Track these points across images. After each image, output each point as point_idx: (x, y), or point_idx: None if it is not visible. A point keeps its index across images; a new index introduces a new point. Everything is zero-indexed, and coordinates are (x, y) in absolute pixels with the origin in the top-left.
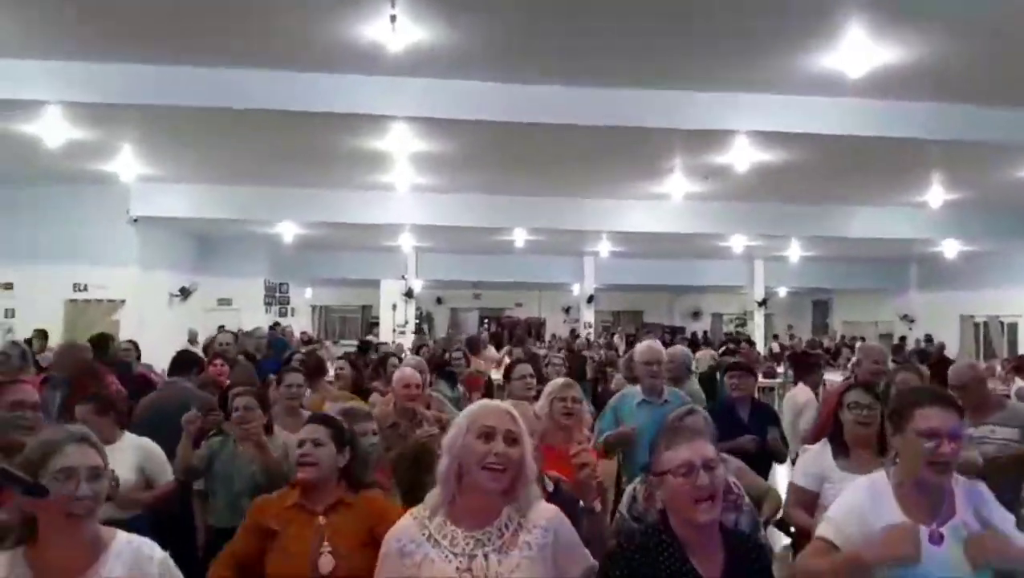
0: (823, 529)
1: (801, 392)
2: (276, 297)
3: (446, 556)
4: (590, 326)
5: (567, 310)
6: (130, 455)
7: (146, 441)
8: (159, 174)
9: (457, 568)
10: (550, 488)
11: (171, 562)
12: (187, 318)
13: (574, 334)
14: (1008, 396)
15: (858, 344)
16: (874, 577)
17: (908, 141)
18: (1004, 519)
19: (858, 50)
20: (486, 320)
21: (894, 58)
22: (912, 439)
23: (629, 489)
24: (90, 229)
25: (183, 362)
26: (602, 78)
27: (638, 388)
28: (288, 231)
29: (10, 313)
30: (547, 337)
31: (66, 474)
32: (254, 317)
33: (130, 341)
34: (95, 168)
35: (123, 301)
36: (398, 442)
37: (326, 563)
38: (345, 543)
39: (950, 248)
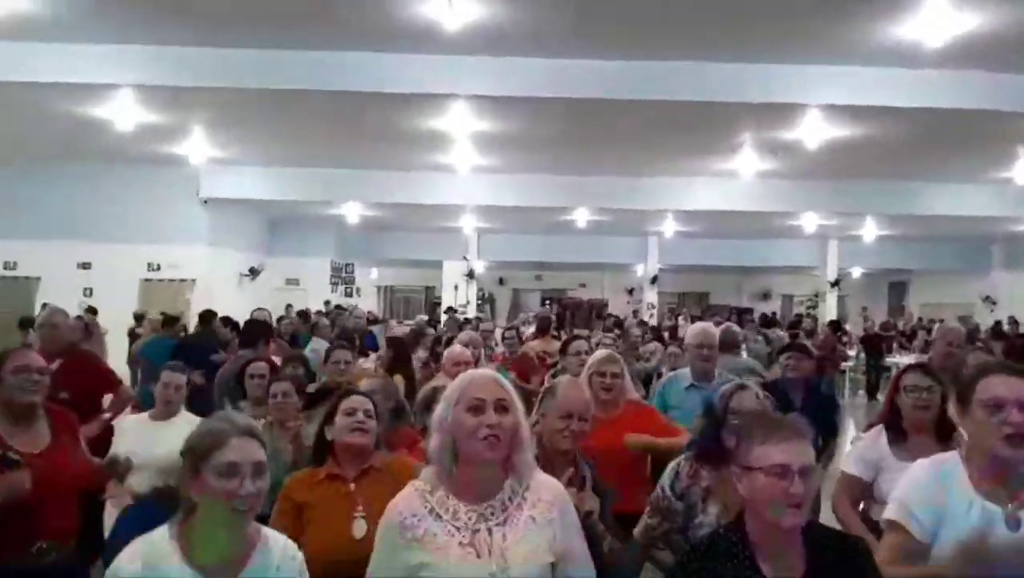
0: (894, 512)
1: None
2: (342, 277)
3: (448, 530)
4: (653, 307)
5: (631, 291)
6: (185, 432)
7: (198, 420)
8: (228, 156)
9: (460, 542)
10: (585, 473)
11: (304, 563)
12: (256, 297)
13: (637, 315)
14: None
15: (936, 326)
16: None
17: (990, 113)
18: None
19: (938, 18)
20: (548, 301)
21: (973, 27)
22: (978, 413)
23: (672, 464)
24: (162, 210)
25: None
26: (665, 52)
27: (687, 371)
28: (353, 212)
29: (88, 292)
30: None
31: (230, 470)
32: (320, 297)
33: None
34: (166, 150)
35: (194, 280)
36: None
37: (359, 528)
38: (378, 508)
39: None
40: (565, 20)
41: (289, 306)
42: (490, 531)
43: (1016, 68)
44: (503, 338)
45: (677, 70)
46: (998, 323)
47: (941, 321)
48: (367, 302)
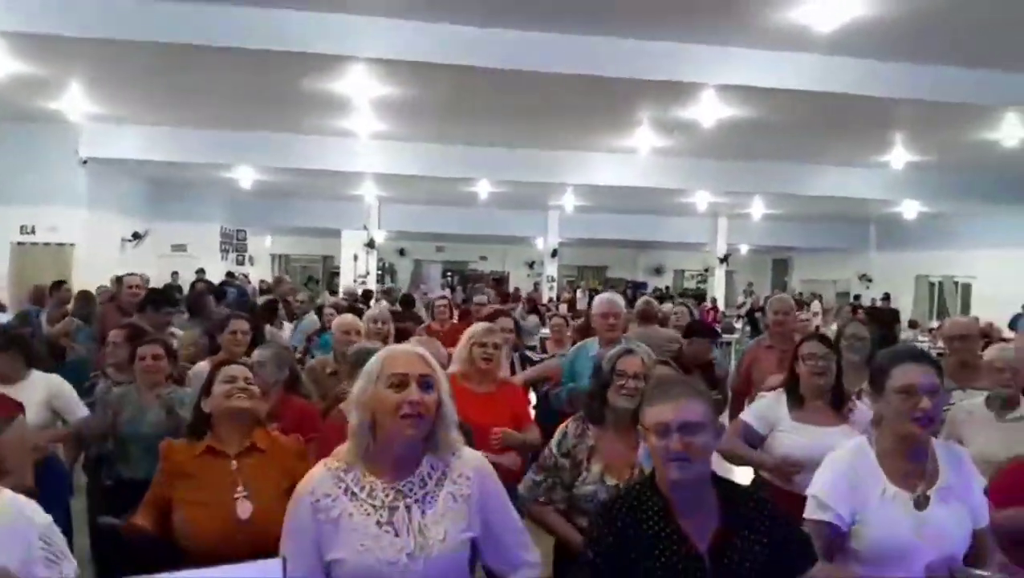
0: (814, 511)
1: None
2: (233, 244)
3: (365, 509)
4: (553, 280)
5: (531, 265)
6: (37, 393)
7: (54, 378)
8: (110, 114)
9: (378, 521)
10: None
11: (55, 529)
12: (140, 264)
13: (537, 289)
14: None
15: (814, 301)
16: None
17: (873, 100)
18: (980, 485)
19: (828, 4)
20: (449, 273)
21: (861, 14)
22: (892, 397)
23: (562, 426)
24: (37, 169)
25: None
26: (568, 26)
27: (595, 340)
28: (246, 176)
29: None
30: (511, 291)
31: None
32: (210, 264)
33: None
34: (41, 105)
35: (72, 245)
36: (335, 387)
37: (244, 508)
38: (261, 487)
39: (909, 209)
40: None
41: (175, 273)
42: (408, 509)
43: (896, 56)
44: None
45: (579, 44)
46: (885, 301)
47: (820, 297)
48: (261, 271)
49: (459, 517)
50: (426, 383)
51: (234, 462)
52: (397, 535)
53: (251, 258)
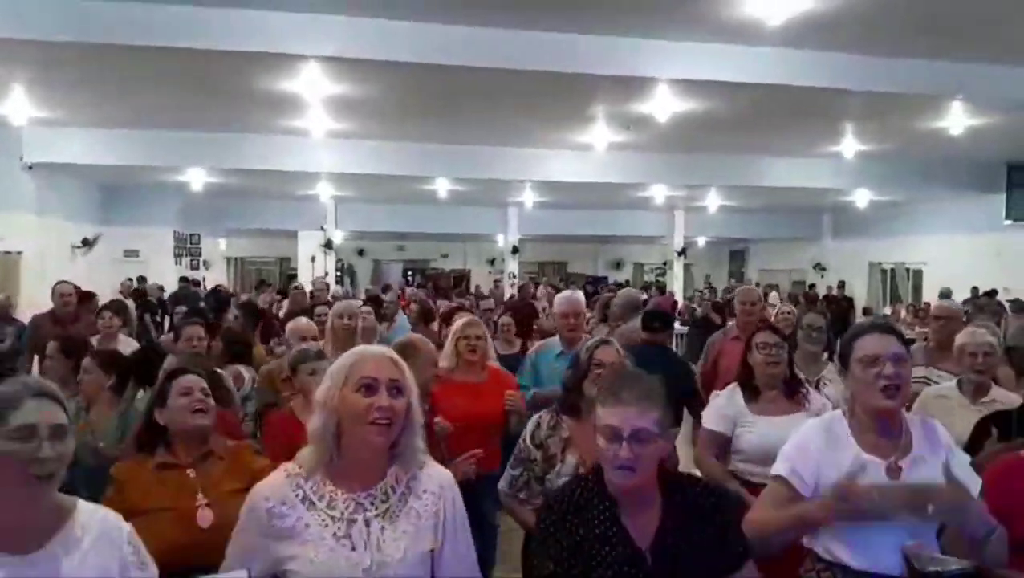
0: (779, 466)
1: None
2: (187, 248)
3: (322, 520)
4: (515, 277)
5: (492, 261)
6: None
7: None
8: (56, 117)
9: (335, 534)
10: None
11: (136, 535)
12: (92, 271)
13: (498, 286)
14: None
15: (772, 293)
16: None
17: (824, 91)
18: (962, 460)
19: None
20: (410, 272)
21: (812, 7)
22: (857, 370)
23: (535, 417)
24: None
25: None
26: (523, 21)
27: (556, 339)
28: (198, 179)
29: None
30: (472, 288)
31: (26, 432)
32: (164, 269)
33: None
34: None
35: (20, 253)
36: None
37: (205, 517)
38: (221, 495)
39: (861, 198)
40: None
41: (129, 279)
42: (368, 522)
43: (846, 48)
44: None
45: (533, 40)
46: (840, 289)
47: (777, 287)
48: (216, 274)
49: (420, 535)
50: (396, 388)
51: (191, 471)
52: (354, 549)
53: (206, 262)
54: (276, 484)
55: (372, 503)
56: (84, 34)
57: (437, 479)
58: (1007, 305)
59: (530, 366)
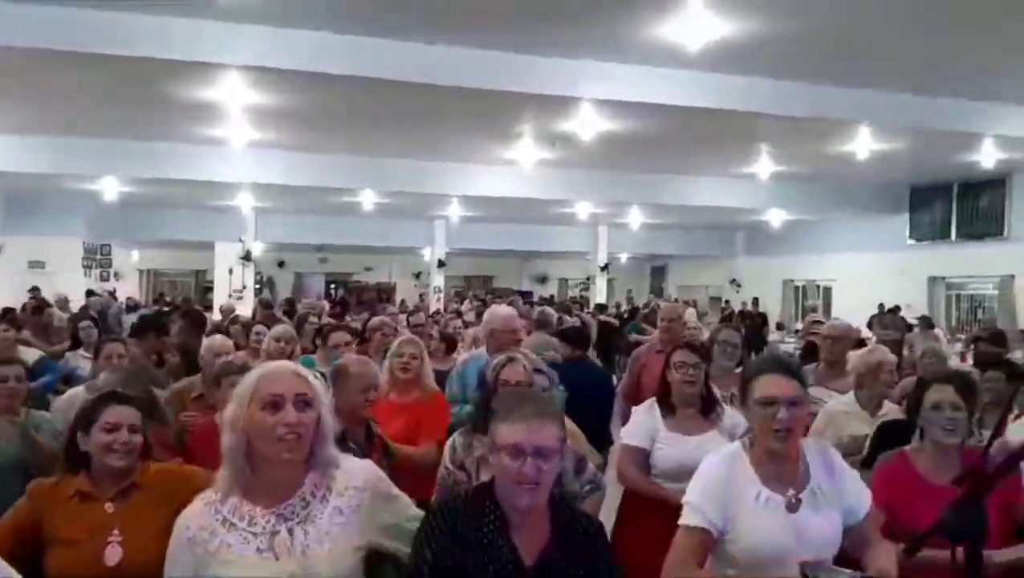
0: (688, 517)
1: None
2: (97, 259)
3: (244, 538)
4: (440, 291)
5: (418, 275)
6: None
7: None
8: None
9: (258, 549)
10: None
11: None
12: None
13: (424, 300)
14: None
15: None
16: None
17: (740, 114)
18: (853, 479)
19: (696, 23)
20: (333, 285)
21: (729, 33)
22: (754, 408)
23: (450, 441)
24: None
25: None
26: (451, 37)
27: (483, 350)
28: (110, 188)
29: None
30: (398, 302)
31: None
32: (71, 281)
33: None
34: None
35: None
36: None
37: (113, 554)
38: (138, 530)
39: (775, 217)
40: None
41: (35, 288)
42: (291, 531)
43: (761, 73)
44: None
45: (461, 57)
46: (754, 305)
47: (695, 302)
48: (128, 287)
49: (347, 530)
50: (304, 401)
51: (109, 505)
52: (278, 560)
53: (117, 274)
54: (195, 513)
55: (293, 512)
56: None
57: (360, 473)
58: (909, 321)
59: (458, 379)
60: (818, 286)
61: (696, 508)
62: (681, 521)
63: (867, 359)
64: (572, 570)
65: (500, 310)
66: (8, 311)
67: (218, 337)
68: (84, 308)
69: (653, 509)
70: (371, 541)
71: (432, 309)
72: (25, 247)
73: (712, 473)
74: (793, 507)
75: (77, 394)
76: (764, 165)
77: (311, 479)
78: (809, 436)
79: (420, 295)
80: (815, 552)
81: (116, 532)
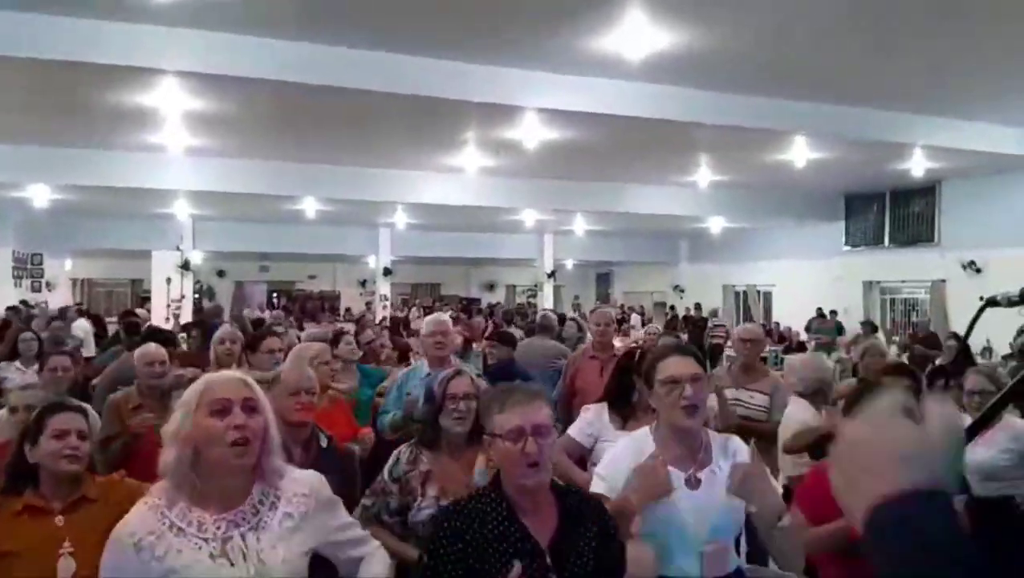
0: (596, 485)
1: None
2: (28, 269)
3: (195, 543)
4: (387, 299)
5: (363, 283)
6: None
7: None
8: None
9: (211, 554)
10: (324, 443)
11: None
12: None
13: (369, 308)
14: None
15: (633, 314)
16: (634, 521)
17: (679, 124)
18: (760, 470)
19: (637, 34)
20: (275, 293)
21: (667, 45)
22: (659, 390)
23: (396, 452)
24: None
25: None
26: (394, 44)
27: (424, 362)
28: (41, 195)
29: None
30: (342, 311)
31: None
32: (2, 292)
33: None
34: None
35: None
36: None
37: (66, 567)
38: (89, 542)
39: (715, 224)
40: (293, 0)
41: None
42: (243, 537)
43: (699, 85)
44: None
45: (404, 63)
46: (697, 310)
47: (641, 308)
48: (60, 297)
49: (297, 536)
50: (250, 407)
51: (60, 518)
52: (233, 565)
53: (48, 284)
54: (139, 515)
55: (244, 519)
56: None
57: (305, 481)
58: (845, 325)
59: (396, 390)
60: (758, 291)
61: (603, 477)
62: (593, 488)
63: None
64: (584, 547)
65: (431, 316)
66: None
67: (151, 345)
68: (28, 319)
69: None
70: (315, 546)
71: (379, 317)
72: None
73: (619, 450)
74: (693, 485)
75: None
76: (704, 174)
77: (258, 488)
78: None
79: (366, 303)
80: (714, 531)
81: (67, 544)
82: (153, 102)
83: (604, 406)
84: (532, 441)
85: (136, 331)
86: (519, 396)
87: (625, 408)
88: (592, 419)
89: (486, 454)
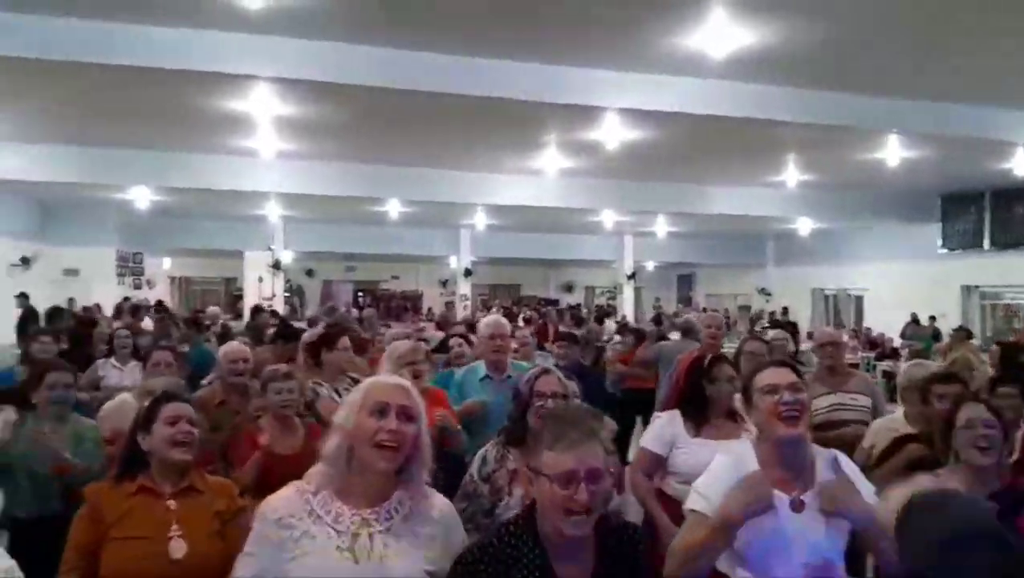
0: (692, 501)
1: None
2: (129, 268)
3: (328, 533)
4: (467, 299)
5: (444, 283)
6: None
7: None
8: None
9: (338, 546)
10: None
11: (19, 573)
12: (31, 289)
13: (450, 307)
14: (856, 365)
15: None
16: (736, 536)
17: (766, 123)
18: (864, 487)
19: (720, 32)
20: (360, 293)
21: (753, 42)
22: (758, 400)
23: (481, 451)
24: None
25: None
26: (477, 49)
27: (482, 363)
28: (142, 197)
29: None
30: (424, 310)
31: None
32: (104, 289)
33: None
34: None
35: None
36: (227, 420)
37: (178, 548)
38: (196, 528)
39: (804, 225)
40: (378, 7)
41: (72, 300)
42: (371, 537)
43: (788, 81)
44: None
45: (485, 67)
46: (784, 314)
47: (727, 310)
48: (159, 294)
49: (421, 554)
50: (406, 414)
51: (171, 502)
52: (357, 562)
53: (149, 282)
54: (286, 497)
55: (377, 520)
56: (24, 49)
57: (440, 506)
58: (943, 331)
59: (455, 388)
60: (849, 295)
61: (702, 494)
62: (687, 505)
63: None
64: None
65: (488, 318)
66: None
67: (234, 344)
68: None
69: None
70: (435, 570)
71: (459, 317)
72: (59, 256)
73: (719, 467)
74: (798, 507)
75: (125, 400)
76: (791, 173)
77: (398, 495)
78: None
79: (447, 303)
80: (820, 554)
81: (176, 527)
82: (246, 107)
83: (676, 413)
84: (584, 488)
85: (200, 329)
86: (575, 435)
87: (699, 414)
88: (666, 426)
89: None
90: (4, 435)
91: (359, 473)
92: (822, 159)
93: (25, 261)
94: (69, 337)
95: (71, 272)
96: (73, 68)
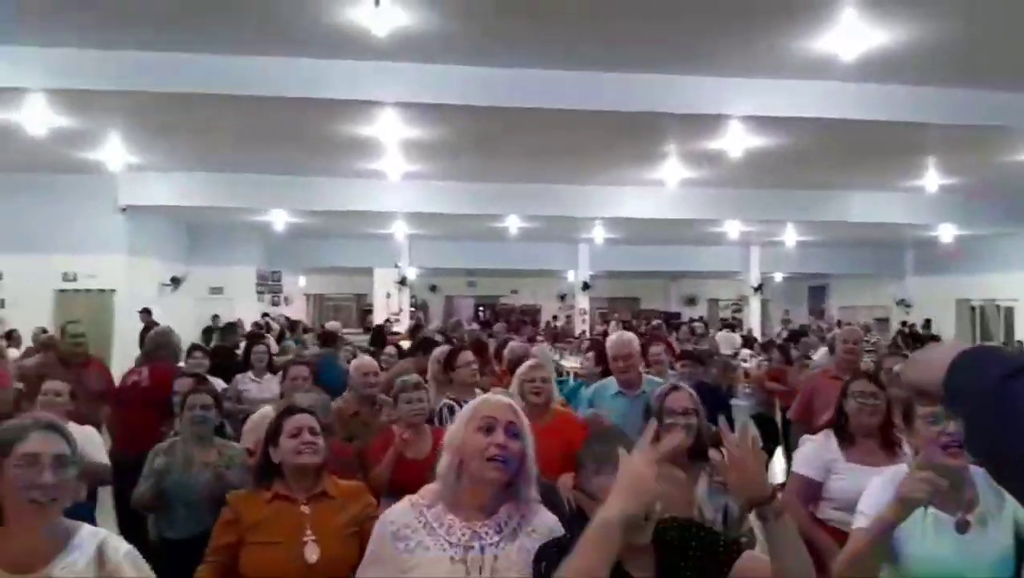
0: (859, 521)
1: None
2: (268, 285)
3: (441, 544)
4: (586, 313)
5: (562, 297)
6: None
7: (87, 428)
8: (147, 162)
9: (451, 558)
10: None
11: (138, 555)
12: (179, 308)
13: (569, 321)
14: None
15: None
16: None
17: (901, 125)
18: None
19: (851, 33)
20: (481, 307)
21: (886, 41)
22: (921, 428)
23: None
24: (78, 218)
25: None
26: (593, 63)
27: (613, 379)
28: (280, 219)
29: None
30: (543, 324)
31: (29, 461)
32: (246, 306)
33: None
34: (81, 157)
35: (113, 291)
36: (361, 430)
37: (312, 552)
38: (330, 532)
39: (946, 233)
40: (494, 28)
41: (216, 316)
42: (483, 549)
43: (923, 81)
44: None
45: (604, 80)
46: (925, 328)
47: (866, 324)
48: (295, 310)
49: (527, 572)
50: (513, 431)
51: (305, 507)
52: (468, 573)
53: (286, 298)
54: (401, 510)
55: (487, 533)
56: (176, 84)
57: (546, 522)
58: None
59: (588, 403)
60: (997, 306)
61: (867, 515)
62: (853, 526)
63: None
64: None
65: (615, 336)
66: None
67: (366, 357)
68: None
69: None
70: None
71: (577, 331)
72: (205, 275)
73: (879, 489)
74: (963, 528)
75: (266, 413)
76: (931, 177)
77: (507, 509)
78: None
79: (566, 317)
80: (985, 574)
81: (309, 532)
82: (374, 132)
83: (830, 433)
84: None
85: (332, 343)
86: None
87: (843, 432)
88: (819, 448)
89: (709, 471)
90: (159, 465)
91: (469, 487)
92: (965, 161)
93: (175, 281)
94: (219, 352)
95: (216, 290)
96: (219, 101)
